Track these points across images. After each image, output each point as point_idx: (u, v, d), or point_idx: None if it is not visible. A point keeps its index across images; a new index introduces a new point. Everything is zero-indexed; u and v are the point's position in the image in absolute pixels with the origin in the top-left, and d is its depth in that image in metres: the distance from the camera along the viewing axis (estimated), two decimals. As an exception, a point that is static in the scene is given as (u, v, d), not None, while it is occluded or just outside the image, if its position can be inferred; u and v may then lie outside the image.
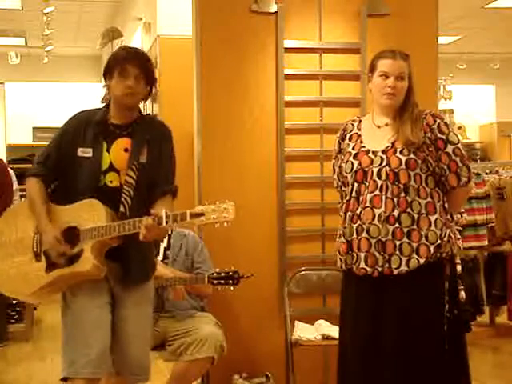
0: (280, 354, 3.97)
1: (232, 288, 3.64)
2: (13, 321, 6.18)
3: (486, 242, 5.71)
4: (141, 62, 2.91)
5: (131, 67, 2.88)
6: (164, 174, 2.96)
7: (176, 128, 5.37)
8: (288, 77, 4.28)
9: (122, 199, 2.85)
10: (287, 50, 4.28)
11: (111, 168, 2.90)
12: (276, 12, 4.26)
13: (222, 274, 3.63)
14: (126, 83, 2.87)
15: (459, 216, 5.07)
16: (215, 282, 3.64)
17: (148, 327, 3.09)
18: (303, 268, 4.14)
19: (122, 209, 2.84)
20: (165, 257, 3.88)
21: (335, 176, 3.10)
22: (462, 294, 5.03)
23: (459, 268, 4.95)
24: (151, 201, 2.88)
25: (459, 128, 10.43)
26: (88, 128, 2.93)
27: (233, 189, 4.19)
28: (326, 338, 3.84)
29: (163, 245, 3.90)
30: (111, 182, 2.90)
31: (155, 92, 5.78)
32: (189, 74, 4.33)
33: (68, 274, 2.85)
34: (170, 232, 3.89)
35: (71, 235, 2.85)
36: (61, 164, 2.94)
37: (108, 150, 2.91)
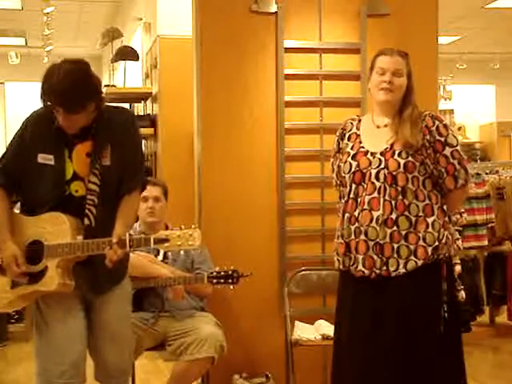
0: (280, 354, 3.97)
1: (232, 287, 3.64)
2: (13, 321, 6.17)
3: (485, 242, 5.72)
4: (69, 102, 2.60)
5: (60, 108, 2.62)
6: (130, 169, 2.80)
7: (176, 128, 5.47)
8: (288, 77, 4.28)
9: (86, 211, 2.70)
10: (287, 50, 4.27)
11: (75, 177, 2.74)
12: (276, 12, 4.26)
13: (222, 273, 3.63)
14: (62, 120, 2.66)
15: (459, 216, 5.08)
16: (214, 281, 3.64)
17: (126, 328, 3.01)
18: (303, 268, 4.14)
19: (86, 221, 2.71)
20: (165, 257, 3.88)
21: (334, 175, 3.10)
22: (462, 293, 5.05)
23: (459, 268, 4.96)
24: (118, 199, 2.77)
25: (459, 128, 10.44)
26: (47, 131, 2.73)
27: (233, 189, 4.20)
28: (325, 338, 3.83)
29: None
30: (77, 191, 2.75)
31: (156, 92, 5.80)
32: (189, 73, 4.33)
33: (33, 292, 2.76)
34: None
35: (34, 250, 2.74)
36: (21, 171, 2.77)
37: (70, 157, 2.74)
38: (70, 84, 2.60)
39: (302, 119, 4.32)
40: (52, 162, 2.72)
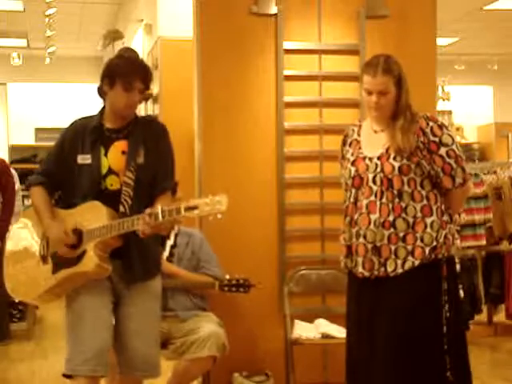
0: (280, 353, 4.00)
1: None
2: (15, 319, 6.21)
3: (484, 242, 5.75)
4: (145, 75, 2.94)
5: (136, 82, 2.92)
6: (163, 171, 3.02)
7: (176, 128, 5.41)
8: (288, 78, 4.32)
9: (122, 200, 2.91)
10: (287, 51, 4.31)
11: (110, 171, 2.97)
12: (276, 14, 4.29)
13: (233, 282, 3.74)
14: (131, 98, 2.93)
15: (457, 216, 5.10)
16: (226, 288, 3.74)
17: (154, 324, 3.09)
18: (303, 267, 4.17)
19: (121, 209, 2.90)
20: (170, 254, 3.91)
21: (342, 180, 3.15)
22: (461, 293, 5.06)
23: (457, 267, 4.97)
24: (152, 198, 2.95)
25: (457, 129, 10.48)
26: (85, 135, 3.00)
27: (233, 189, 4.21)
28: (325, 336, 3.87)
29: (170, 242, 3.93)
30: (112, 185, 2.96)
31: (156, 93, 5.84)
32: (189, 74, 4.37)
33: (73, 274, 2.90)
34: (176, 230, 3.96)
35: (76, 237, 2.93)
36: (62, 172, 3.02)
37: (106, 155, 2.98)
38: (141, 59, 3.04)
39: (302, 120, 4.36)
40: (89, 161, 2.97)
